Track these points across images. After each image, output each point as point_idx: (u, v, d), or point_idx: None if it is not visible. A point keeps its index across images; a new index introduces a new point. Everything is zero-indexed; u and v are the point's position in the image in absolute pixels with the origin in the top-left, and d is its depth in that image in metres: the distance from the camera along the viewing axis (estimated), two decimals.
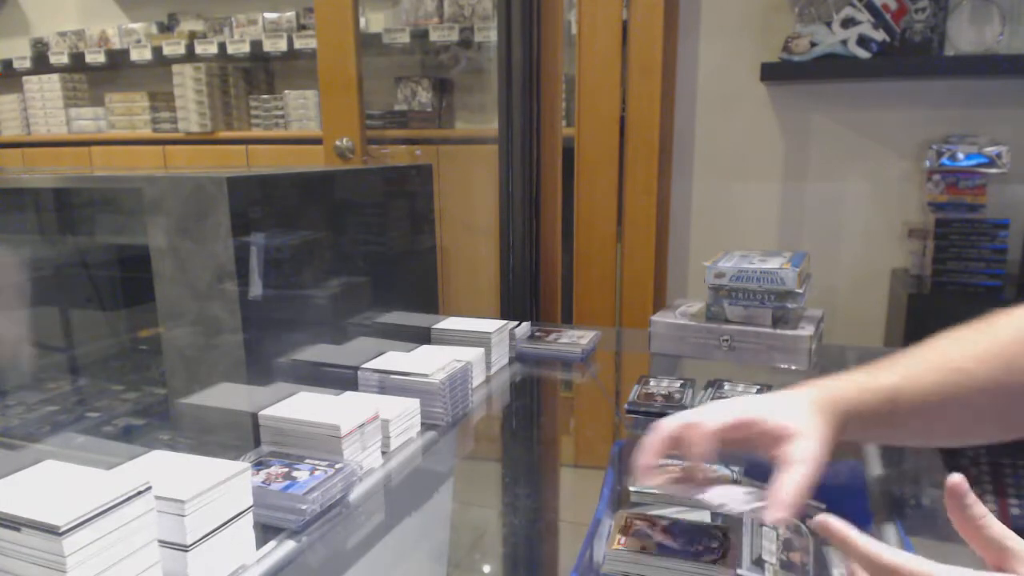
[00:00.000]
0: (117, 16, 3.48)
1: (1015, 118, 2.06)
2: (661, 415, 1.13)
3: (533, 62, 2.00)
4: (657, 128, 2.18)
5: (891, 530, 0.82)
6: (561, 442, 1.29)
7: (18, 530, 0.58)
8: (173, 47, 3.16)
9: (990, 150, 1.98)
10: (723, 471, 0.91)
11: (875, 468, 0.94)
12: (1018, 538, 0.51)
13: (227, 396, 0.99)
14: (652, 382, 1.25)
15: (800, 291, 1.33)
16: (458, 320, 1.41)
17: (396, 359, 1.18)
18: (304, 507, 0.79)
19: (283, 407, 0.96)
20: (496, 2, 1.96)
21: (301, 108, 3.03)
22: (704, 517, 0.83)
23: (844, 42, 2.01)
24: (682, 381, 1.24)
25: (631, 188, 2.22)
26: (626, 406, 1.18)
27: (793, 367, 1.32)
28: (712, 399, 1.15)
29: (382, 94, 2.97)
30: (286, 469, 0.87)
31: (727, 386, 1.20)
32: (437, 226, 1.52)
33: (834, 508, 0.87)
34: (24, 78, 3.46)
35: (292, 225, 1.08)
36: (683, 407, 1.13)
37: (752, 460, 1.00)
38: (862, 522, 0.87)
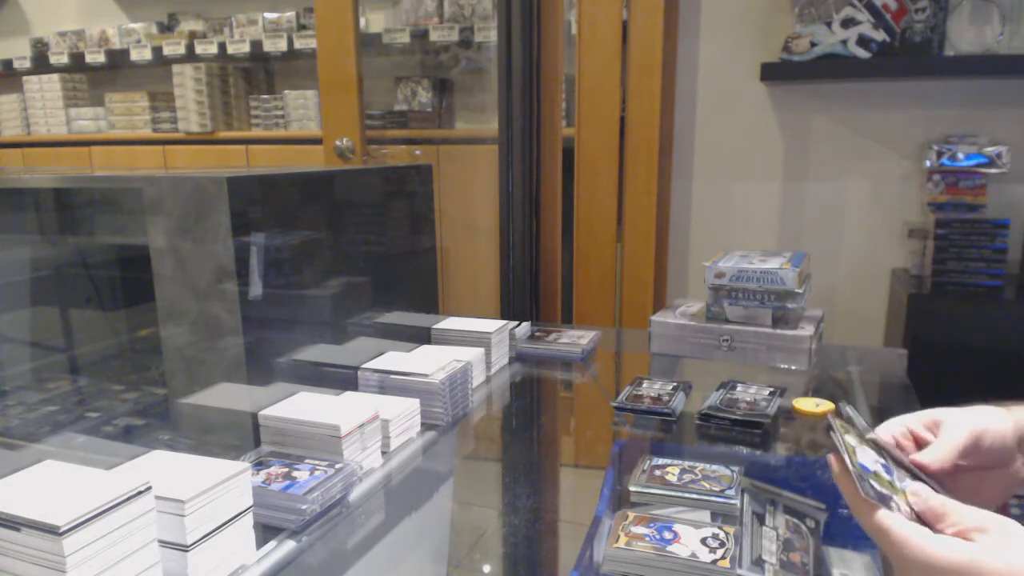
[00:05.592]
0: (117, 16, 3.48)
1: (1015, 118, 2.06)
2: (648, 413, 1.15)
3: (533, 62, 2.00)
4: (657, 128, 2.18)
5: None
6: (561, 442, 1.29)
7: (18, 530, 0.58)
8: (173, 47, 3.16)
9: (990, 150, 1.98)
10: (723, 471, 0.91)
11: None
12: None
13: (227, 396, 0.99)
14: (645, 383, 1.25)
15: (800, 291, 1.33)
16: (458, 320, 1.41)
17: (396, 359, 1.18)
18: (304, 507, 0.79)
19: (283, 407, 0.96)
20: (496, 2, 1.96)
21: (301, 108, 3.03)
22: (704, 517, 0.83)
23: (844, 42, 2.01)
24: (675, 384, 1.24)
25: (631, 188, 2.22)
26: (613, 404, 1.19)
27: (793, 367, 1.32)
28: (724, 400, 1.15)
29: (382, 94, 2.97)
30: (286, 469, 0.87)
31: (739, 387, 1.21)
32: (437, 226, 1.52)
33: (834, 508, 0.87)
34: (24, 78, 3.46)
35: (292, 225, 1.08)
36: (671, 410, 1.14)
37: (752, 460, 1.00)
38: None
